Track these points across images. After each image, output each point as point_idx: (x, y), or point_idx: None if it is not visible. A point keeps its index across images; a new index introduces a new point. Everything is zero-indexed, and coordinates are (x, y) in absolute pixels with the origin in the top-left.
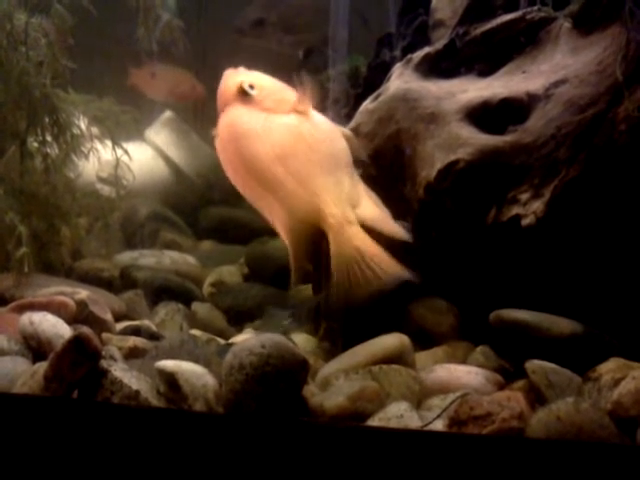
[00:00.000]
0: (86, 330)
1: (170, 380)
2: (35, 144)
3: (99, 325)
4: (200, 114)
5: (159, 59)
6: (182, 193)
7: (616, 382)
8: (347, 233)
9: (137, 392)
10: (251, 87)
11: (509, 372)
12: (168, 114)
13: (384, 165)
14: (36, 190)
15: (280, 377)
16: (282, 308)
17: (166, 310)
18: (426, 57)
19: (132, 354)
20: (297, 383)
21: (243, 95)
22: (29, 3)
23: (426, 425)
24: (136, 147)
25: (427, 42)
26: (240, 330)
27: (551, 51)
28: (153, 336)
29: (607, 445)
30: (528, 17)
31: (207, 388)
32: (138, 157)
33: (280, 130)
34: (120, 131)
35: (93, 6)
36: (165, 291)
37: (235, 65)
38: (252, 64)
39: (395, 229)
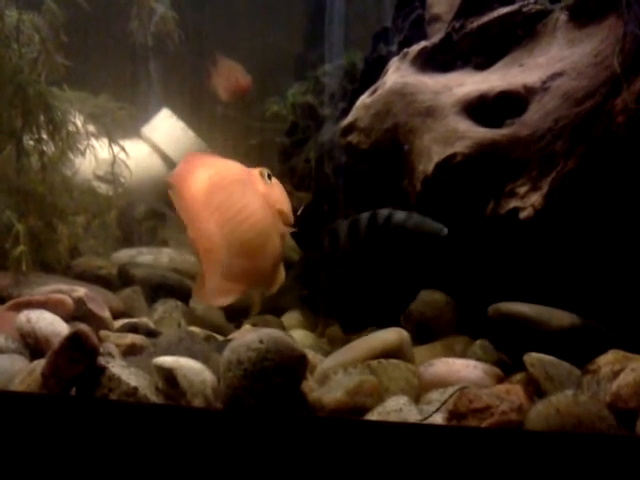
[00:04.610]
0: (83, 327)
1: (168, 376)
2: (31, 142)
3: (97, 322)
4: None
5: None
6: None
7: (615, 374)
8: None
9: (135, 388)
10: (269, 177)
11: (508, 365)
12: (165, 111)
13: (381, 159)
14: (33, 188)
15: (278, 372)
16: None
17: (164, 307)
18: (422, 51)
19: (130, 351)
20: (295, 378)
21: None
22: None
23: (425, 419)
24: (133, 144)
25: (423, 36)
26: (238, 326)
27: (548, 44)
28: (151, 333)
29: (606, 437)
30: (524, 10)
31: (205, 384)
32: (135, 154)
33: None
34: (116, 128)
35: (86, 2)
36: (163, 288)
37: None
38: None
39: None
